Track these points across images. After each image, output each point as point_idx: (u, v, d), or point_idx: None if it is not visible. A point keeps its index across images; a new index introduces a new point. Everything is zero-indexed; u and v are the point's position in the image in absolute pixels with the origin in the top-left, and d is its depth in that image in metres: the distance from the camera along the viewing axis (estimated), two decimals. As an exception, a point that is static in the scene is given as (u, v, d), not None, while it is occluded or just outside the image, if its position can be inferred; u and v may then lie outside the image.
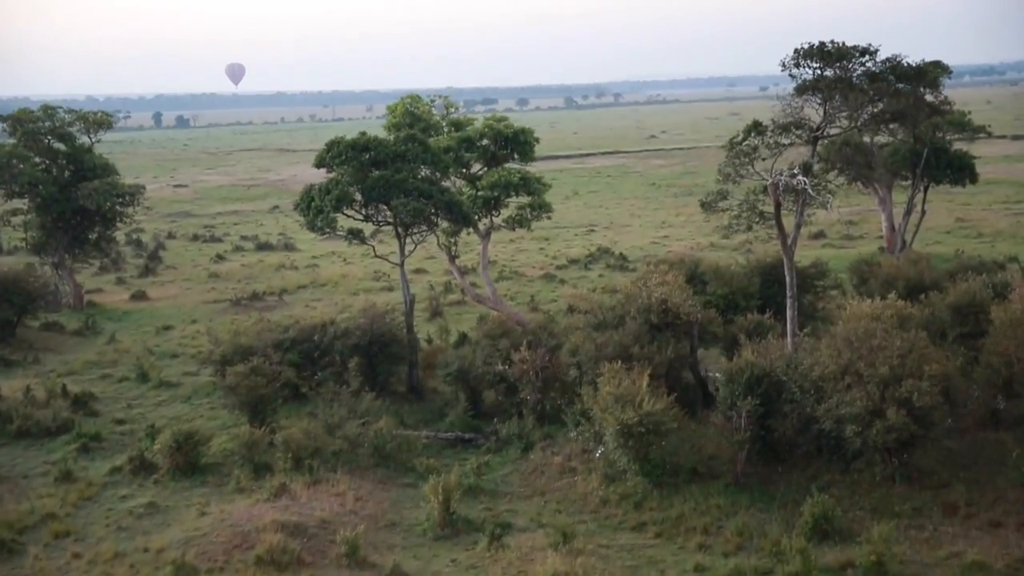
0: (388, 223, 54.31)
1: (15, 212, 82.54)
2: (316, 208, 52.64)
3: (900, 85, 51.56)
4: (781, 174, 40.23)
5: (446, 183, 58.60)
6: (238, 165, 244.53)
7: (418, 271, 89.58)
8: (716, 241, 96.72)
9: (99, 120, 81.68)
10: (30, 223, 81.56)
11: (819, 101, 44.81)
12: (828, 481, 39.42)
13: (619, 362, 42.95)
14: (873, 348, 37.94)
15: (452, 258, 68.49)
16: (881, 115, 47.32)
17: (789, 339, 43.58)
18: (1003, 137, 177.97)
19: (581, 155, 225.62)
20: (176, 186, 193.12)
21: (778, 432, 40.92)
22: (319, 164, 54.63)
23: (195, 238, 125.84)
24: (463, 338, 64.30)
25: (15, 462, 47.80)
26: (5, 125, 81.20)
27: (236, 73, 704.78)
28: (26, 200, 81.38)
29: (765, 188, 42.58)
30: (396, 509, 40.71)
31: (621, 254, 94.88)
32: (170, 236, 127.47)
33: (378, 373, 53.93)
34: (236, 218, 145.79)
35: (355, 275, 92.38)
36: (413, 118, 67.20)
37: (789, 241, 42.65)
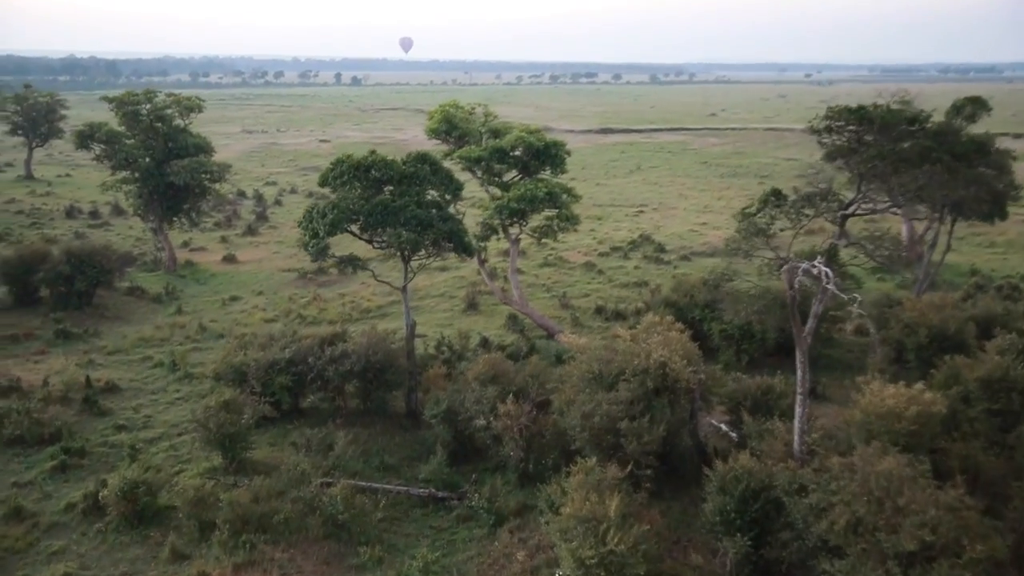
0: (391, 246, 39.34)
1: (125, 181, 69.70)
2: (312, 231, 38.05)
3: (958, 164, 34.61)
4: (800, 263, 24.40)
5: (454, 207, 43.15)
6: (379, 123, 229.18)
7: (474, 250, 74.60)
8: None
9: (190, 104, 68.03)
10: (130, 193, 68.95)
11: (851, 172, 28.58)
12: (827, 637, 24.27)
13: (593, 459, 28.10)
14: (898, 508, 22.29)
15: (482, 262, 53.57)
16: (931, 199, 30.59)
17: (796, 439, 27.98)
18: (1005, 135, 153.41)
19: (651, 130, 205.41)
20: (321, 140, 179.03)
21: (772, 557, 25.90)
22: (322, 183, 39.87)
23: (310, 195, 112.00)
24: (484, 343, 49.92)
25: (-10, 479, 35.03)
26: (111, 105, 68.10)
27: (406, 44, 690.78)
28: (128, 173, 68.48)
29: (781, 266, 26.65)
30: (324, 613, 26.68)
31: (660, 244, 78.24)
32: (292, 191, 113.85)
33: (372, 399, 39.77)
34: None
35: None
36: (450, 125, 51.99)
37: (805, 332, 26.84)
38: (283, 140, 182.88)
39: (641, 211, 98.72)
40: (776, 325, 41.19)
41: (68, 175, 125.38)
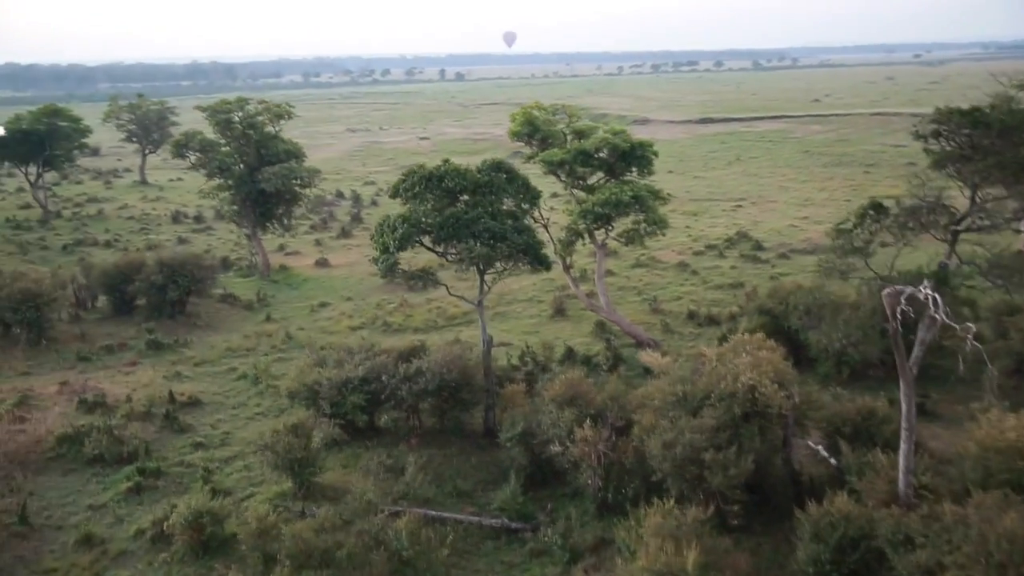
0: (464, 260, 37.07)
1: (220, 188, 69.63)
2: (382, 245, 36.07)
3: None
4: (904, 288, 20.95)
5: (540, 213, 40.58)
6: (478, 118, 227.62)
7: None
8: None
9: (280, 112, 67.42)
10: (224, 199, 68.93)
11: (963, 182, 24.81)
12: None
13: (671, 500, 25.23)
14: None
15: (567, 267, 50.81)
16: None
17: (902, 479, 24.50)
18: None
19: (752, 118, 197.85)
20: (421, 138, 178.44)
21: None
22: (394, 195, 37.90)
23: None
24: (569, 354, 47.25)
25: (67, 500, 34.29)
26: (205, 114, 68.05)
27: (510, 38, 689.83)
28: (222, 179, 68.47)
29: (882, 288, 23.15)
30: (381, 664, 24.56)
31: (758, 242, 73.83)
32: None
33: (448, 418, 37.65)
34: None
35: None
36: (533, 127, 49.41)
37: (910, 363, 23.32)
38: (384, 138, 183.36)
39: (739, 205, 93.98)
40: (876, 354, 37.32)
41: (180, 179, 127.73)
